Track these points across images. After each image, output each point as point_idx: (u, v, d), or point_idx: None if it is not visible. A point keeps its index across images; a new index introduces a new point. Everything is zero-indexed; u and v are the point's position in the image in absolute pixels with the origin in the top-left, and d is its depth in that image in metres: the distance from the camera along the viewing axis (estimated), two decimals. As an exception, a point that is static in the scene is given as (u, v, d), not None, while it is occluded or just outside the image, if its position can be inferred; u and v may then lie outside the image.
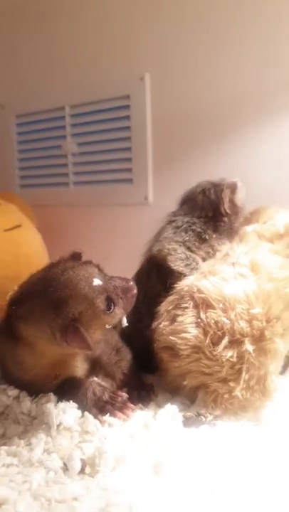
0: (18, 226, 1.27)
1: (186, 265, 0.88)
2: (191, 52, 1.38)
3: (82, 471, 0.60)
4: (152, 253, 0.94)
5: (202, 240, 0.94)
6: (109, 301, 0.68)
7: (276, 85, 1.26)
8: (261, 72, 1.28)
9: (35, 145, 1.79)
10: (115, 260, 1.47)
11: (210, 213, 0.95)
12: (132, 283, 0.72)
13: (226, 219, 0.94)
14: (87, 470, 0.60)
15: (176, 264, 0.88)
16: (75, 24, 1.58)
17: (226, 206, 0.94)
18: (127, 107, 1.53)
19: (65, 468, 0.61)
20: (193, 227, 0.95)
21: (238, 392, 0.68)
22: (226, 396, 0.69)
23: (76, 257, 0.76)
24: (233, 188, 0.97)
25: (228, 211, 0.94)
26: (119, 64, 1.52)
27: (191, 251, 0.92)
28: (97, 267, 0.72)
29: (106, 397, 0.73)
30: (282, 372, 0.81)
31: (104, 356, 0.82)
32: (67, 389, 0.73)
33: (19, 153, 1.84)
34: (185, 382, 0.72)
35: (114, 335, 0.85)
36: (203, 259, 0.91)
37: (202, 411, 0.69)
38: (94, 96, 1.59)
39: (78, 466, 0.60)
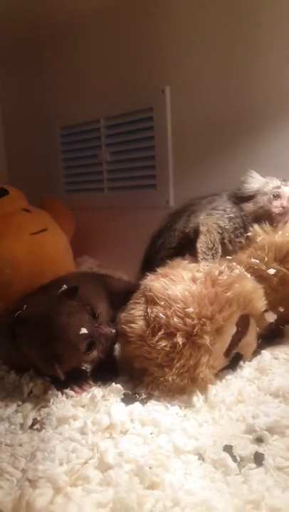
0: (44, 230, 1.47)
1: (206, 252, 0.99)
2: (206, 67, 1.48)
3: (32, 427, 0.78)
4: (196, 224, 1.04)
5: (235, 235, 1.03)
6: (90, 345, 0.85)
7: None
8: (272, 84, 1.33)
9: (77, 154, 2.00)
10: (138, 258, 1.63)
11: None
12: (113, 331, 0.87)
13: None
14: (37, 426, 0.77)
15: (200, 246, 0.99)
16: (106, 48, 1.76)
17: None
18: (151, 118, 1.67)
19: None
20: (238, 221, 1.04)
21: (169, 377, 0.80)
22: (161, 379, 0.81)
23: (72, 290, 0.90)
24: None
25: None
26: (143, 79, 1.66)
27: (222, 240, 1.02)
28: (91, 312, 0.87)
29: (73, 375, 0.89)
30: (233, 367, 0.91)
31: None
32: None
33: (64, 161, 2.06)
34: (135, 365, 0.86)
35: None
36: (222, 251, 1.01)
37: (141, 390, 0.82)
38: (123, 109, 1.75)
39: (29, 423, 0.78)
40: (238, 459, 0.66)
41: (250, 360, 0.93)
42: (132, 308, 0.87)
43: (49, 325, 0.83)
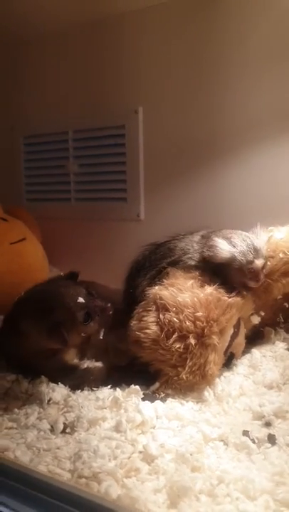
0: (23, 239, 1.50)
1: None
2: (179, 90, 1.59)
3: (64, 431, 0.83)
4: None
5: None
6: (88, 316, 0.93)
7: (257, 118, 1.45)
8: (242, 107, 1.47)
9: (41, 164, 2.02)
10: (109, 270, 1.70)
11: None
12: (109, 305, 0.98)
13: None
14: (68, 430, 0.83)
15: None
16: (79, 62, 1.81)
17: None
18: (123, 135, 1.75)
19: (52, 429, 0.83)
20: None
21: (183, 375, 0.89)
22: (175, 378, 0.91)
23: (73, 275, 1.01)
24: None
25: None
26: (116, 97, 1.74)
27: None
28: (86, 288, 0.97)
29: None
30: (228, 365, 1.03)
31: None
32: (62, 374, 0.97)
33: (26, 170, 2.06)
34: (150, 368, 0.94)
35: None
36: None
37: (157, 390, 0.91)
38: (94, 124, 1.81)
39: (61, 427, 0.83)
40: (256, 441, 0.78)
41: (240, 359, 1.06)
42: (144, 316, 0.95)
43: (49, 296, 0.93)
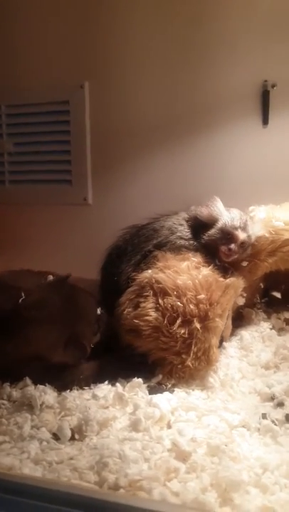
0: None
1: None
2: (130, 64, 1.50)
3: (71, 438, 0.72)
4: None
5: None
6: (97, 327, 0.89)
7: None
8: (201, 85, 1.42)
9: None
10: (55, 257, 1.55)
11: None
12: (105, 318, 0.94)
13: None
14: (76, 436, 0.72)
15: None
16: (18, 25, 1.60)
17: None
18: (67, 112, 1.61)
19: (56, 437, 0.72)
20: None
21: (189, 362, 0.84)
22: (180, 366, 0.85)
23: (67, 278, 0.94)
24: None
25: None
26: (59, 70, 1.58)
27: None
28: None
29: None
30: (219, 346, 1.00)
31: None
32: (49, 374, 0.85)
33: None
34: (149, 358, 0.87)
35: None
36: None
37: (161, 381, 0.84)
38: (32, 98, 1.63)
39: (69, 434, 0.72)
40: (277, 422, 0.76)
41: (228, 341, 1.04)
42: (141, 302, 0.88)
43: (74, 306, 0.87)
